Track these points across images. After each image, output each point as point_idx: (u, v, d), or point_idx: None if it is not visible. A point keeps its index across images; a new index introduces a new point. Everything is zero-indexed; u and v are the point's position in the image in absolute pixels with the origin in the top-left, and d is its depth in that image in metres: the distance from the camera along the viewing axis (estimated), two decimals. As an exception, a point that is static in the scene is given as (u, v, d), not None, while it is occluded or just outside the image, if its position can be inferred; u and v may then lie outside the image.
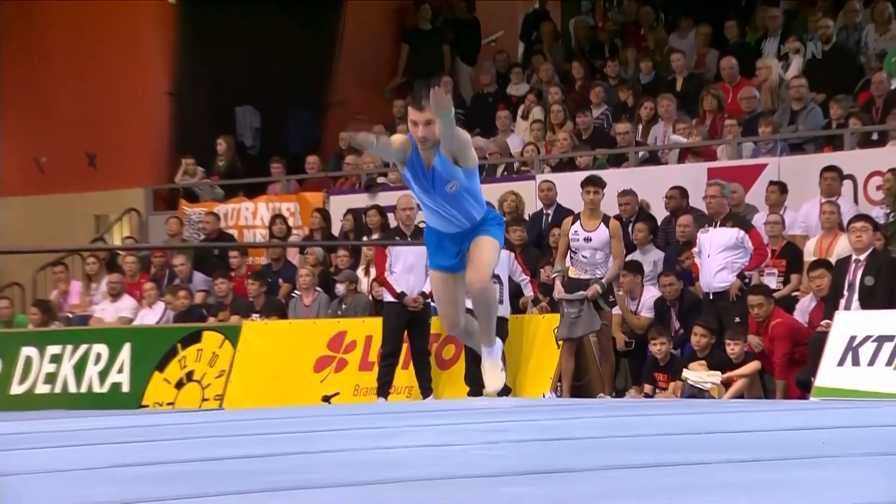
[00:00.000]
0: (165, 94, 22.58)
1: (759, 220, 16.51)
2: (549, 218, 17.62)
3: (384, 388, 16.79)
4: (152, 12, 22.32)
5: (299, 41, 22.98)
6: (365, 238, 18.72)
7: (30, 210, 22.89)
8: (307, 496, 5.86)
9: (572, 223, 16.08)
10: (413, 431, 7.41)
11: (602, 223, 15.99)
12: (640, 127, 19.27)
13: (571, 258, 15.97)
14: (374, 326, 17.26)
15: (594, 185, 16.18)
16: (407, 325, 16.75)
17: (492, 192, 18.18)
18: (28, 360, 19.03)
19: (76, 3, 22.45)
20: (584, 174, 17.54)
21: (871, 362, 13.84)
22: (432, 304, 16.81)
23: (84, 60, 22.47)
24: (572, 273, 15.86)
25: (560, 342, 16.12)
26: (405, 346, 16.81)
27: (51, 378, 18.83)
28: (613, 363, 16.18)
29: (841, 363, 14.00)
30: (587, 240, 15.88)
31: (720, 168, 17.72)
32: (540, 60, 21.79)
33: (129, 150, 22.41)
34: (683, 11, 21.36)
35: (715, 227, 15.98)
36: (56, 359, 18.93)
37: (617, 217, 17.36)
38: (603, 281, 15.78)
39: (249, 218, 20.95)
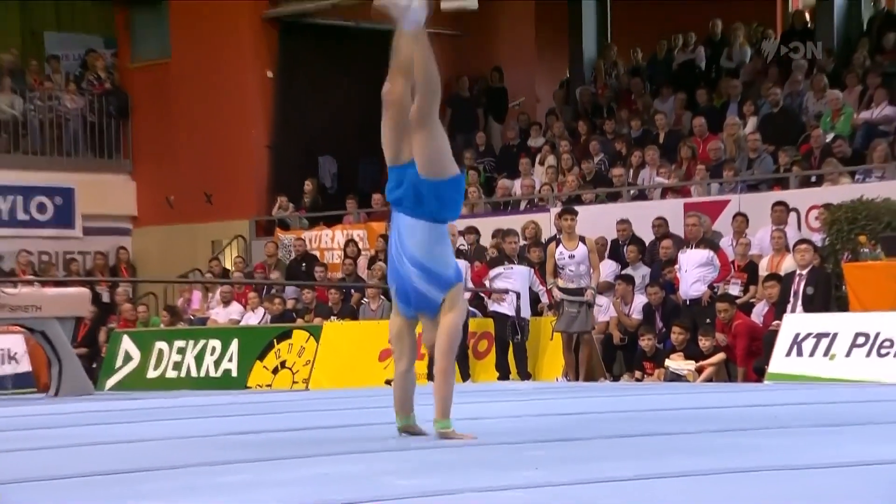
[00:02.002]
0: (265, 146, 22.64)
1: (724, 243, 16.47)
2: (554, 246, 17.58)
3: (432, 374, 16.78)
4: (256, 83, 22.40)
5: (367, 105, 22.96)
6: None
7: (161, 237, 22.98)
8: (374, 458, 5.85)
9: (556, 246, 16.05)
10: (455, 407, 7.37)
11: (580, 242, 15.98)
12: (632, 171, 19.23)
13: (559, 273, 15.89)
14: (425, 326, 17.30)
15: (570, 213, 16.17)
16: (451, 324, 16.73)
17: (516, 222, 18.17)
18: (160, 352, 19.10)
19: (196, 76, 22.53)
20: (588, 208, 17.52)
21: (812, 353, 13.76)
22: (471, 310, 16.80)
23: (202, 120, 22.55)
24: (561, 284, 15.82)
25: (555, 333, 16.12)
26: (449, 340, 16.79)
27: (177, 366, 18.88)
28: (598, 353, 16.08)
29: (788, 354, 13.93)
30: (571, 257, 15.81)
31: (693, 203, 17.65)
32: (553, 119, 21.78)
33: (237, 189, 22.48)
34: (664, 81, 21.31)
35: (691, 248, 15.97)
36: (181, 351, 18.98)
37: (615, 240, 17.34)
38: (593, 286, 15.81)
39: (329, 242, 20.97)
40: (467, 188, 20.68)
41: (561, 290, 15.71)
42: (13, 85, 22.90)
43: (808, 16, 21.13)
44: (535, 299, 16.98)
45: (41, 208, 22.85)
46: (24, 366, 19.03)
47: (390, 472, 5.27)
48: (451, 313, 7.19)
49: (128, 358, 19.32)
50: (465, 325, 16.70)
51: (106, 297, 21.21)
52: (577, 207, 17.16)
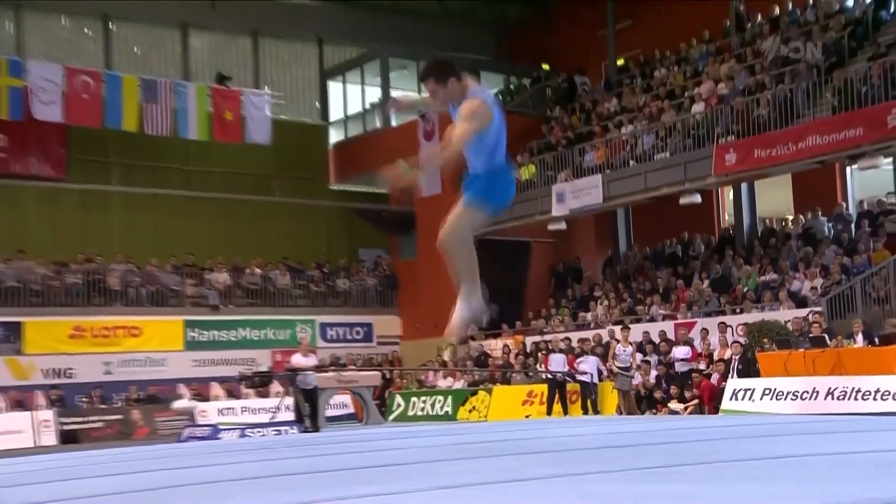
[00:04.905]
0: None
1: (696, 343, 16.15)
2: (615, 344, 17.30)
3: (549, 411, 16.46)
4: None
5: (510, 279, 22.89)
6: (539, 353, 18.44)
7: (413, 346, 23.15)
8: (508, 458, 5.67)
9: (617, 344, 15.96)
10: (557, 430, 7.21)
11: (630, 345, 15.79)
12: (647, 307, 18.91)
13: (616, 357, 15.74)
14: (543, 387, 17.01)
15: (627, 329, 16.11)
16: (557, 386, 16.44)
17: (589, 335, 17.95)
18: (414, 402, 19.19)
19: (429, 267, 22.74)
20: (633, 326, 17.35)
21: (743, 398, 13.33)
22: (568, 379, 16.50)
23: (431, 288, 22.70)
24: (618, 364, 15.66)
25: (613, 389, 15.84)
26: (556, 394, 16.51)
27: (422, 409, 18.93)
28: (633, 401, 15.72)
29: (731, 399, 13.49)
30: (624, 351, 15.69)
31: (679, 323, 17.35)
32: (605, 282, 21.54)
33: (448, 321, 22.46)
34: (662, 263, 20.96)
35: (679, 346, 15.73)
36: (424, 402, 19.05)
37: (640, 342, 16.98)
38: (633, 369, 15.52)
39: (494, 346, 20.91)
40: (563, 319, 20.46)
41: (618, 367, 15.61)
42: (345, 276, 23.58)
43: (731, 230, 20.81)
44: (600, 373, 16.71)
45: (357, 333, 23.37)
46: (350, 409, 19.32)
47: (530, 465, 5.13)
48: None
49: (398, 405, 19.46)
50: (564, 387, 16.44)
51: (388, 376, 21.41)
52: (619, 328, 16.91)
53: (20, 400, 18.26)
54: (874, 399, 12.13)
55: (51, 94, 19.54)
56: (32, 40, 21.88)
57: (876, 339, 13.45)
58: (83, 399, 18.98)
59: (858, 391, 12.32)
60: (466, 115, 4.29)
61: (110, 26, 22.81)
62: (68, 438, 17.42)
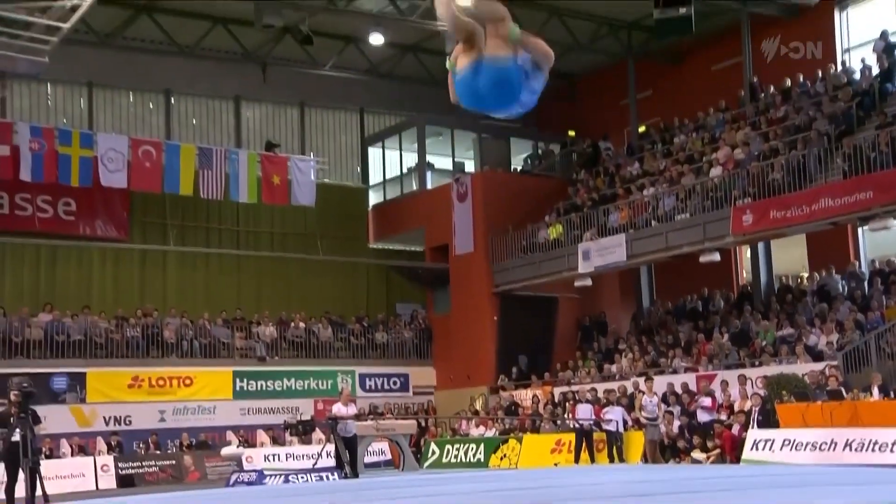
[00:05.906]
0: (494, 351, 22.71)
1: (717, 394, 16.00)
2: (640, 395, 17.18)
3: (577, 459, 16.37)
4: (488, 322, 22.58)
5: (540, 333, 22.91)
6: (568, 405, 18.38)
7: (447, 396, 23.08)
8: None
9: (642, 395, 15.87)
10: (583, 475, 7.26)
11: (655, 396, 15.71)
12: (670, 360, 18.80)
13: (643, 409, 15.64)
14: (571, 436, 16.94)
15: (651, 380, 16.03)
16: (584, 435, 16.38)
17: (614, 385, 17.85)
18: (448, 449, 19.12)
19: (460, 320, 22.83)
20: (656, 378, 17.23)
21: (763, 448, 13.20)
22: (595, 428, 16.43)
23: (462, 337, 22.84)
24: (645, 414, 15.55)
25: (649, 439, 15.74)
26: (583, 443, 16.43)
27: (455, 456, 18.86)
28: (658, 450, 15.59)
29: (751, 449, 13.36)
30: (650, 401, 15.61)
31: (701, 375, 17.23)
32: (630, 335, 21.49)
33: (481, 371, 22.53)
34: (683, 317, 20.89)
35: (701, 396, 15.61)
36: (458, 449, 18.99)
37: (665, 393, 16.88)
38: (659, 419, 15.44)
39: (524, 396, 20.81)
40: (590, 370, 20.43)
41: (645, 418, 15.55)
42: (383, 329, 23.72)
43: (749, 287, 20.75)
44: (625, 423, 16.60)
45: (394, 383, 23.37)
46: (388, 456, 19.30)
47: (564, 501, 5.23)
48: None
49: (433, 452, 19.40)
50: (591, 435, 16.37)
51: (423, 424, 21.38)
52: (642, 378, 16.84)
53: (82, 445, 18.59)
54: (891, 451, 11.99)
55: (117, 163, 20.29)
56: (102, 114, 22.83)
57: (891, 393, 13.31)
58: (140, 445, 19.24)
59: (875, 443, 12.19)
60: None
61: (171, 100, 23.70)
62: (126, 482, 17.65)
